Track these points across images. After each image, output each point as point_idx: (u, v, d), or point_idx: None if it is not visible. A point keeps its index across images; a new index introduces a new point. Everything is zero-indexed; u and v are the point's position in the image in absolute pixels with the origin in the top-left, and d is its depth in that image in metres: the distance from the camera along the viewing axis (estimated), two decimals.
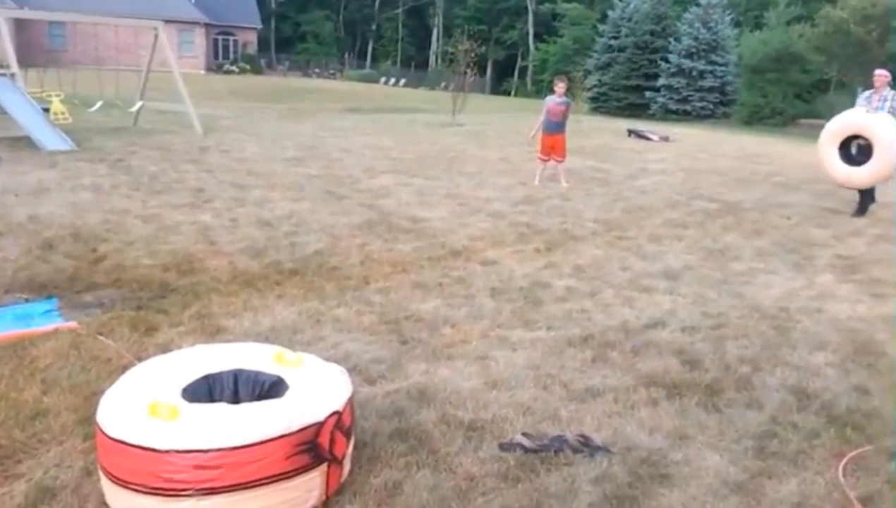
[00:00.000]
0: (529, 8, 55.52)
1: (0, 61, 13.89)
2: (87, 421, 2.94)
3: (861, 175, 8.55)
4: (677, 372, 3.88)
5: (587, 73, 32.42)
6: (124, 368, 3.26)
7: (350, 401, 2.76)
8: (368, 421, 3.19)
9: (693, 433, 3.22)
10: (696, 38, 30.34)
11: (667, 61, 31.01)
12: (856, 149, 8.66)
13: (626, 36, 32.67)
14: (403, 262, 5.87)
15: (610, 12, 34.68)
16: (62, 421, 3.04)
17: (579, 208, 8.49)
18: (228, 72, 42.53)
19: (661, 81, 31.08)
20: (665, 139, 18.57)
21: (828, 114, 30.40)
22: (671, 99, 30.65)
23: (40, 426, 3.01)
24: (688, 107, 30.25)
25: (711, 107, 30.42)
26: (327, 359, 3.24)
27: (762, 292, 5.41)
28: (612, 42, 33.24)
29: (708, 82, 30.17)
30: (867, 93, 8.90)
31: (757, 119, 28.74)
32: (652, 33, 32.18)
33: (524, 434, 3.10)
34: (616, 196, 9.46)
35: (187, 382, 2.75)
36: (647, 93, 31.49)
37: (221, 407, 2.54)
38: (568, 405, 3.44)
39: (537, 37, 54.00)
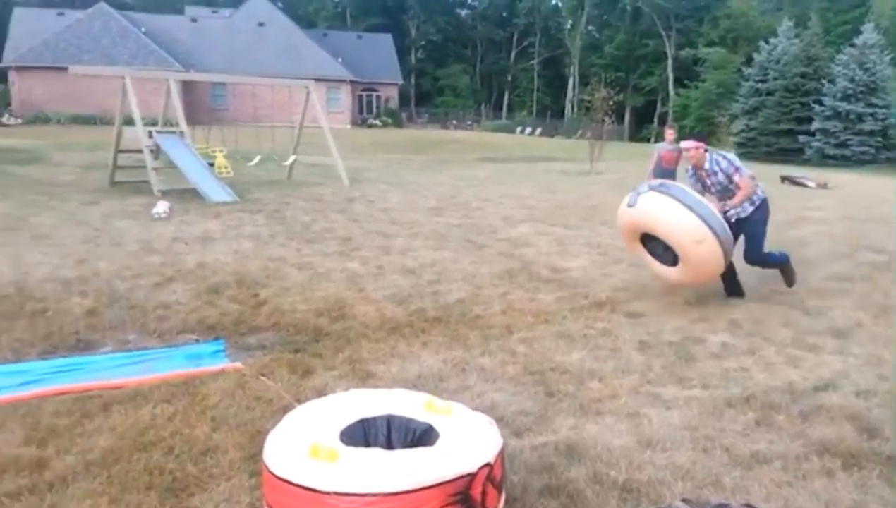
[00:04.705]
0: (669, 53, 54.62)
1: (170, 120, 15.32)
2: (253, 458, 3.09)
3: None
4: (853, 440, 3.54)
5: (733, 117, 31.26)
6: (284, 409, 3.41)
7: (501, 453, 2.71)
8: (518, 475, 3.13)
9: None
10: (852, 80, 28.62)
11: (821, 104, 29.37)
12: None
13: (775, 79, 31.36)
14: (546, 312, 5.80)
15: (756, 55, 33.50)
16: (230, 458, 3.20)
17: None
18: (372, 126, 44.71)
19: (815, 125, 29.45)
20: (823, 186, 17.46)
21: None
22: (827, 143, 28.92)
23: (210, 461, 3.18)
24: (847, 152, 28.40)
25: (873, 151, 28.41)
26: (474, 409, 3.23)
27: None
28: (760, 85, 32.01)
29: (868, 126, 28.24)
30: None
31: None
32: (803, 75, 30.69)
33: (684, 500, 2.91)
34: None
35: (344, 425, 2.83)
36: (801, 138, 29.88)
37: (377, 452, 2.59)
38: (731, 471, 3.21)
39: (678, 82, 52.85)
